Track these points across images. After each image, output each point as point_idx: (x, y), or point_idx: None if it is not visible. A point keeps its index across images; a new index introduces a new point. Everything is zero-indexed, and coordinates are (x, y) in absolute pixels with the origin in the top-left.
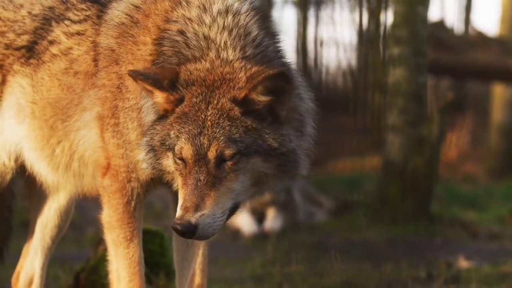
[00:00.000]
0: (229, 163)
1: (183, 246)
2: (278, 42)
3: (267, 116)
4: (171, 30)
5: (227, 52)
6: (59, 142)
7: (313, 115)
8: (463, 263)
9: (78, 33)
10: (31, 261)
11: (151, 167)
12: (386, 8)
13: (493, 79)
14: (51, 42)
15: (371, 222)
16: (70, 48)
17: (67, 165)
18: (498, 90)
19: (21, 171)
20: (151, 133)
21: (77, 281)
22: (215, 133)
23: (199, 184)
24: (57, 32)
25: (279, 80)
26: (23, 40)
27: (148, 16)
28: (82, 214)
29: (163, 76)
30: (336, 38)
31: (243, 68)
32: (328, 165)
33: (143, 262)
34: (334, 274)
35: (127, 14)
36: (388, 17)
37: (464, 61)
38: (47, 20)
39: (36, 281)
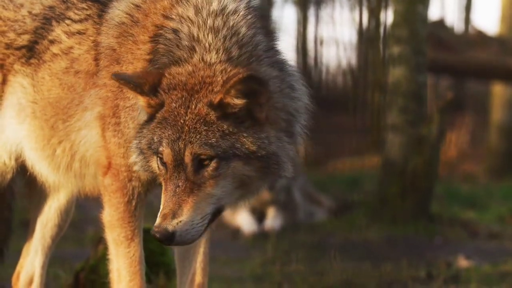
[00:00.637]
0: (208, 169)
1: None
2: (272, 40)
3: (245, 119)
4: (167, 27)
5: (210, 55)
6: (60, 142)
7: (306, 113)
8: (463, 263)
9: (79, 32)
10: (31, 260)
11: (142, 169)
12: (386, 7)
13: (493, 79)
14: (52, 42)
15: (371, 222)
16: (71, 48)
17: (68, 166)
18: (498, 90)
19: (22, 171)
20: (139, 136)
21: (77, 280)
22: (191, 138)
23: (177, 190)
24: (58, 31)
25: (251, 83)
26: (24, 39)
27: (147, 15)
28: (82, 213)
29: (145, 81)
30: (336, 37)
31: (223, 71)
32: (328, 165)
33: (144, 261)
34: (334, 274)
35: (127, 14)
36: (388, 16)
37: (464, 60)
38: (48, 19)
39: (37, 281)
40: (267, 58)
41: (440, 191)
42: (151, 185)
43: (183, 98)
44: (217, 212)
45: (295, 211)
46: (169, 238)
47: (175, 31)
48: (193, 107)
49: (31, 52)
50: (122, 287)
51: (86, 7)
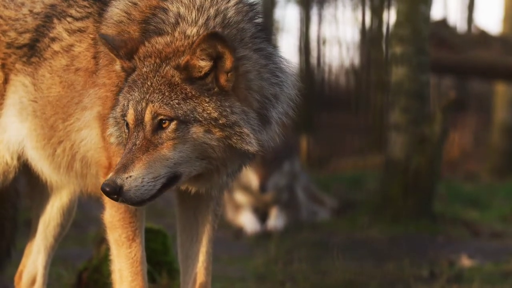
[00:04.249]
0: (167, 130)
1: (187, 243)
2: (262, 32)
3: (212, 87)
4: (159, 8)
5: (191, 28)
6: (60, 142)
7: (288, 103)
8: (465, 262)
9: (80, 30)
10: (34, 260)
11: (117, 141)
12: (388, 7)
13: (495, 78)
14: (53, 39)
15: (373, 221)
16: (72, 45)
17: (69, 165)
18: (501, 89)
19: (24, 170)
20: (115, 106)
21: (79, 280)
22: (153, 97)
23: (133, 148)
24: (59, 29)
25: (216, 41)
26: (25, 38)
27: (143, 11)
28: (85, 213)
29: (123, 45)
30: (339, 37)
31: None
32: (330, 164)
33: (145, 261)
34: (336, 273)
35: (125, 12)
36: (390, 16)
37: (467, 59)
38: (49, 17)
39: (39, 280)
40: (252, 44)
41: (443, 190)
42: None
43: (155, 64)
44: (173, 179)
45: (298, 211)
46: (116, 191)
47: (165, 10)
48: (162, 70)
49: (32, 51)
50: None
51: (88, 5)
